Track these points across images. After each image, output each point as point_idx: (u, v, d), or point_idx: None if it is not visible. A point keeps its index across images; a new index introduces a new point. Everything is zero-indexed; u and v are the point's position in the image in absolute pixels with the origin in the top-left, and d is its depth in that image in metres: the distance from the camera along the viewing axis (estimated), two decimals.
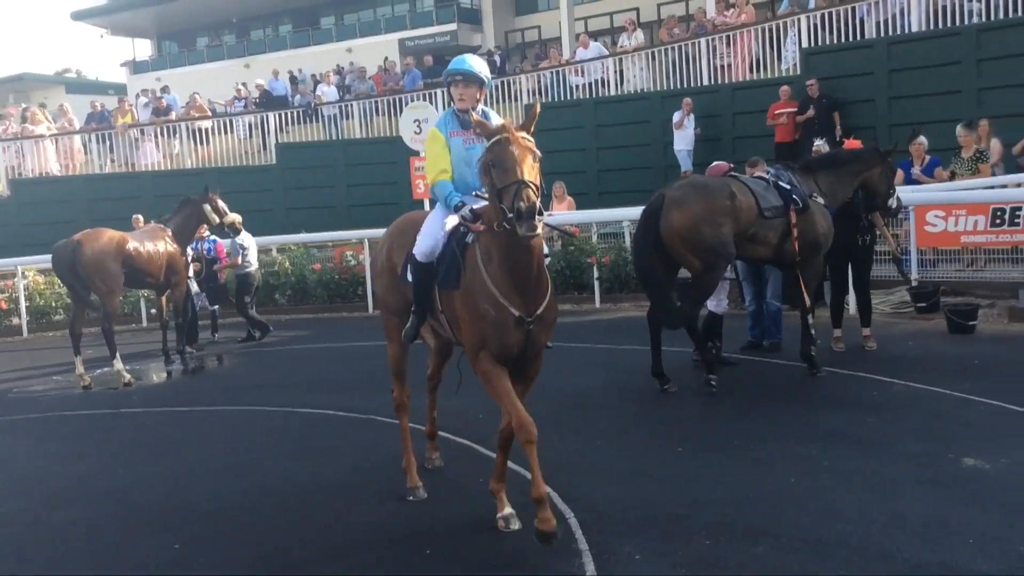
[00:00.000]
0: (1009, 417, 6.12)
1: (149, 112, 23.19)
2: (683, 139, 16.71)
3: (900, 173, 12.25)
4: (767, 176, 7.90)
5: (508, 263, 4.39)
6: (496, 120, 4.64)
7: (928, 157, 12.23)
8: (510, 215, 4.05)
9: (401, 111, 18.54)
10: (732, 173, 7.94)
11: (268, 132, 21.81)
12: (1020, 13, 13.80)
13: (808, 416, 6.51)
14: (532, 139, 4.27)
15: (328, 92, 22.60)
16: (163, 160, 22.04)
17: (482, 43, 33.24)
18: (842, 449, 5.66)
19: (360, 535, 4.88)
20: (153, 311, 14.30)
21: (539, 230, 4.07)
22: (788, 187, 7.64)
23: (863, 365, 7.92)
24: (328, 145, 21.40)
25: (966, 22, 14.64)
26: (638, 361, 8.16)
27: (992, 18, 14.34)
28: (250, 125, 22.36)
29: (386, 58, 26.89)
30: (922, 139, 12.02)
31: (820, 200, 7.85)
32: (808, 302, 7.70)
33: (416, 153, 15.05)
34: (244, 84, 25.25)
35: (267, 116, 21.95)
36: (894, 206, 8.51)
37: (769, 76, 16.96)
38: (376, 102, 21.61)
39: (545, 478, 5.40)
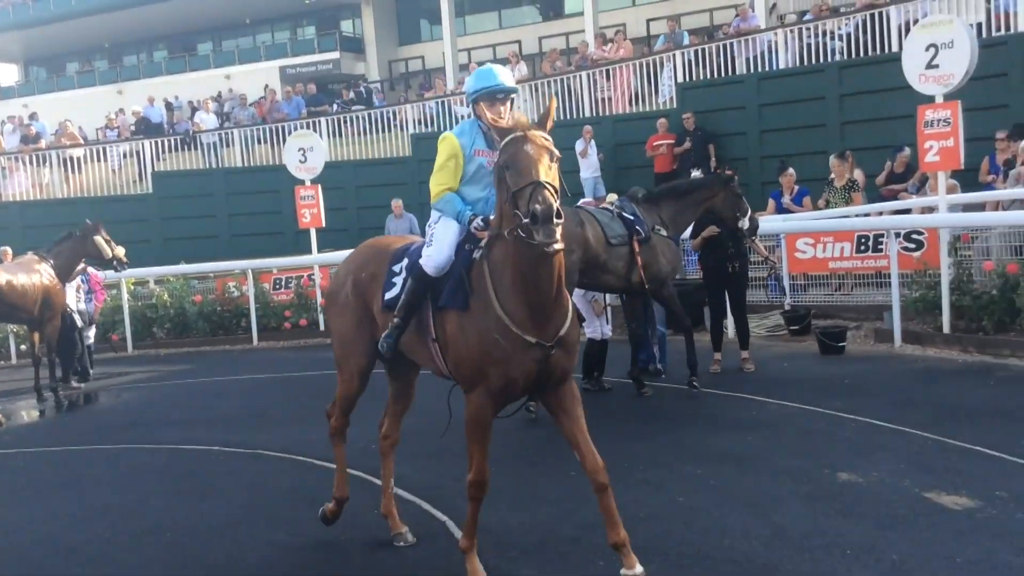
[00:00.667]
0: (878, 432, 6.47)
1: (16, 139, 22.21)
2: (588, 167, 16.93)
3: (772, 203, 12.87)
4: (611, 207, 8.22)
5: (522, 280, 3.93)
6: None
7: (797, 187, 12.85)
8: (525, 220, 3.64)
9: (284, 140, 18.35)
10: (578, 204, 8.23)
11: (144, 160, 21.18)
12: (878, 52, 14.71)
13: (692, 437, 6.73)
14: (549, 138, 3.87)
15: (207, 119, 22.13)
16: (32, 189, 21.12)
17: (365, 72, 33.16)
18: (725, 467, 5.87)
19: (253, 572, 4.77)
20: (23, 347, 13.65)
21: (558, 237, 3.64)
22: (631, 218, 7.95)
23: (741, 386, 8.23)
24: (208, 173, 20.96)
25: (829, 59, 15.51)
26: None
27: (853, 56, 15.23)
28: (125, 153, 21.67)
29: (266, 86, 26.52)
30: (791, 170, 12.65)
31: (663, 232, 8.13)
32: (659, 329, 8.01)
33: (301, 182, 14.90)
34: (121, 110, 24.49)
35: (143, 144, 21.33)
36: (746, 227, 8.64)
37: (647, 109, 17.53)
38: (258, 130, 21.30)
39: (439, 504, 5.47)
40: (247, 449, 7.38)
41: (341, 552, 4.98)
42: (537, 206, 3.57)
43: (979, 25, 13.37)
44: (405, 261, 4.59)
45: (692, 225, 8.90)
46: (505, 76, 4.37)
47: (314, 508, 5.73)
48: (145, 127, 22.55)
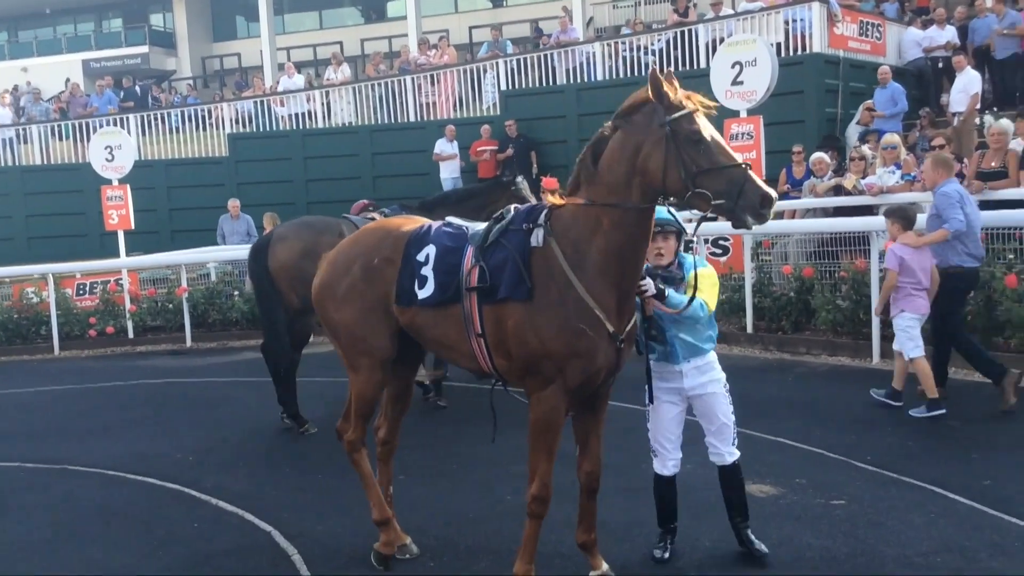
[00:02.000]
0: (690, 427, 6.77)
1: None
2: (449, 168, 16.81)
3: None
4: (378, 216, 8.15)
5: (619, 262, 3.74)
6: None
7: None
8: (739, 202, 3.49)
9: (89, 136, 17.31)
10: (344, 215, 8.17)
11: None
12: (688, 67, 15.47)
13: (521, 438, 6.82)
14: None
15: (2, 114, 20.59)
16: None
17: (176, 68, 31.84)
18: (554, 466, 6.00)
19: None
20: None
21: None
22: None
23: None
24: (3, 171, 19.47)
25: (643, 73, 16.18)
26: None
27: (665, 70, 15.93)
28: None
29: (67, 80, 24.94)
30: None
31: None
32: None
33: (108, 181, 14.10)
34: None
35: None
36: None
37: (471, 115, 17.73)
38: (59, 126, 20.00)
39: (263, 514, 5.33)
40: (52, 464, 6.90)
41: (157, 566, 4.76)
42: (768, 191, 3.54)
43: (778, 45, 14.32)
44: (431, 250, 4.20)
45: None
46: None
47: (129, 523, 5.47)
48: None
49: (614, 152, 3.74)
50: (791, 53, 14.51)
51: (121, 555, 4.97)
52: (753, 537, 4.39)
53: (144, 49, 31.43)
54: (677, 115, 3.62)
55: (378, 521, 4.55)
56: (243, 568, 4.65)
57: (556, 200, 3.93)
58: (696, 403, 4.44)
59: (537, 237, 3.88)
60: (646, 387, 4.31)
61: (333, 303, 4.49)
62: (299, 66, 23.21)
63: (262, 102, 19.64)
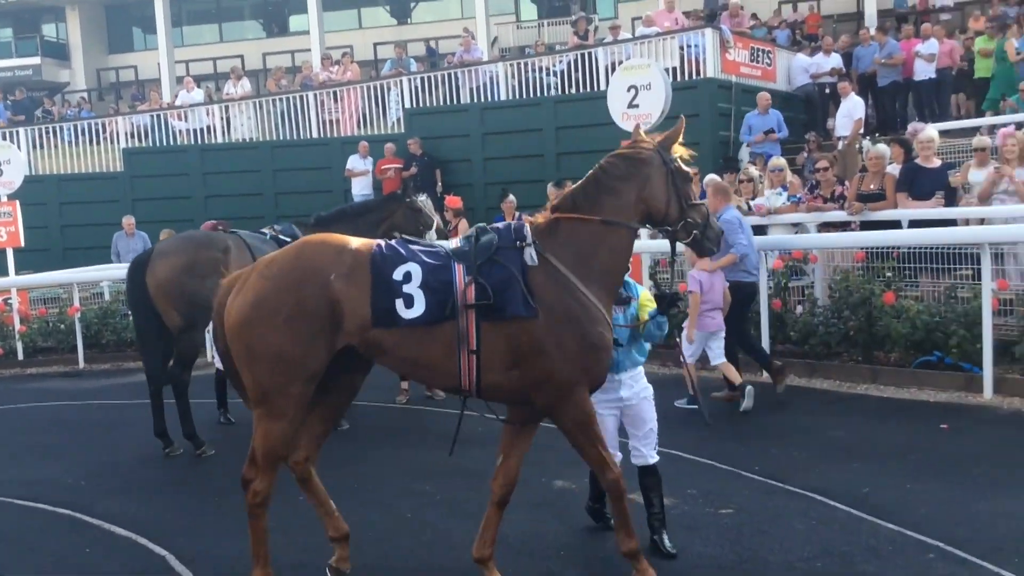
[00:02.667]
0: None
1: None
2: (361, 184, 16.65)
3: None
4: (268, 232, 8.10)
5: (616, 268, 4.27)
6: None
7: (518, 213, 13.50)
8: (707, 232, 4.32)
9: None
10: (232, 229, 8.13)
11: None
12: (588, 89, 15.82)
13: (420, 455, 6.89)
14: None
15: None
16: None
17: (70, 80, 30.87)
18: (453, 482, 6.07)
19: None
20: None
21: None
22: (290, 240, 7.78)
23: (468, 404, 8.50)
24: None
25: (546, 94, 16.48)
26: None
27: (566, 91, 16.29)
28: None
29: None
30: (511, 197, 13.29)
31: None
32: None
33: None
34: None
35: None
36: (434, 239, 8.53)
37: (376, 132, 17.71)
38: None
39: (160, 540, 5.24)
40: None
41: None
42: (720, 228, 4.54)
43: (674, 69, 14.78)
44: (412, 268, 4.09)
45: None
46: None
47: (17, 549, 5.30)
48: None
49: (623, 180, 4.25)
50: (686, 78, 14.98)
51: None
52: (666, 538, 4.69)
53: (36, 60, 30.39)
54: (676, 156, 4.33)
55: None
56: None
57: (539, 218, 4.31)
58: (629, 411, 4.80)
59: (531, 255, 4.09)
60: None
61: (267, 325, 4.07)
62: (198, 80, 22.82)
63: (159, 116, 19.22)
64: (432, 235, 8.70)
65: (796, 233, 10.07)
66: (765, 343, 8.99)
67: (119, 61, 32.23)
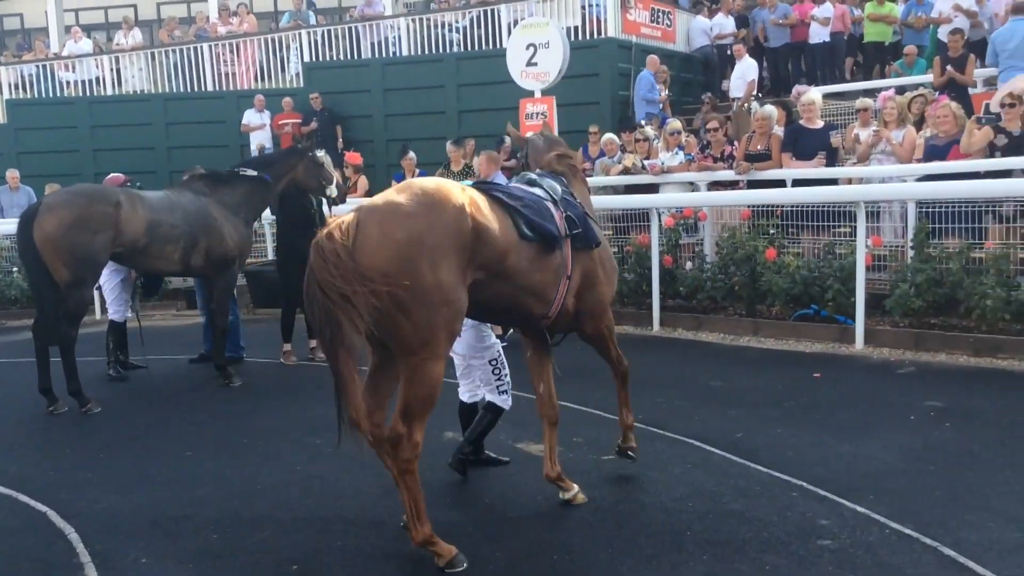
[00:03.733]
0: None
1: None
2: (258, 139, 16.19)
3: (395, 184, 13.37)
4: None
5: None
6: None
7: (418, 170, 13.45)
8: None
9: None
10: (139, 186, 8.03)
11: None
12: (491, 46, 15.77)
13: (314, 410, 6.89)
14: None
15: None
16: None
17: None
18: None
19: None
20: None
21: None
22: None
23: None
24: None
25: (448, 50, 16.37)
26: (164, 371, 8.10)
27: (469, 48, 16.21)
28: None
29: None
30: (412, 154, 13.24)
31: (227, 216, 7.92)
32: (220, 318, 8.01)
33: None
34: None
35: None
36: (334, 194, 8.66)
37: (274, 86, 17.33)
38: None
39: (41, 496, 5.17)
40: None
41: None
42: None
43: (575, 28, 14.87)
44: (525, 195, 4.52)
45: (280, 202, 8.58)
46: None
47: None
48: None
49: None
50: (587, 37, 15.08)
51: None
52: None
53: None
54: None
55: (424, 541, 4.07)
56: (17, 548, 4.50)
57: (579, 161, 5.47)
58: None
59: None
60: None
61: (429, 261, 3.81)
62: (88, 29, 21.85)
63: (45, 66, 18.41)
64: (332, 190, 8.61)
65: (691, 192, 10.34)
66: (655, 297, 9.26)
67: (3, 8, 30.59)
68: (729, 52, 15.99)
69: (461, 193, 4.07)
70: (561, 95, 11.28)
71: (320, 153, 8.82)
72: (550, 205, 4.57)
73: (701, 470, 5.20)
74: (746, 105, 13.30)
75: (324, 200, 8.69)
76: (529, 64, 10.70)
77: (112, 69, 18.14)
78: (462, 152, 13.32)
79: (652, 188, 10.64)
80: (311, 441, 6.06)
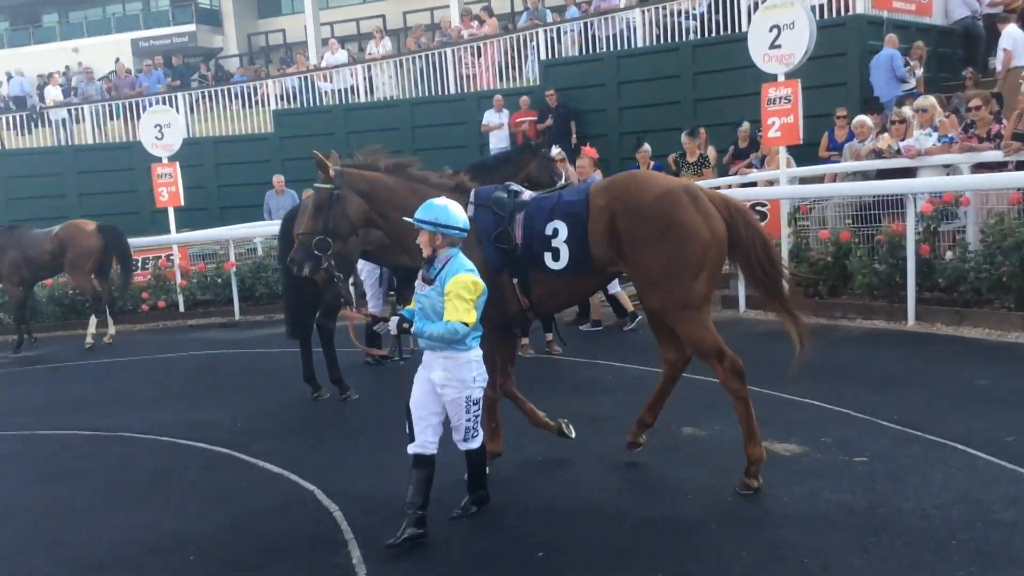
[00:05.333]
0: (720, 391, 6.83)
1: None
2: (497, 138, 16.80)
3: None
4: None
5: None
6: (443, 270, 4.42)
7: (652, 162, 13.35)
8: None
9: (138, 116, 17.73)
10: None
11: None
12: (728, 32, 15.36)
13: (551, 401, 6.95)
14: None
15: (56, 95, 21.15)
16: None
17: (223, 45, 32.29)
18: (581, 428, 6.14)
19: (118, 550, 4.75)
20: None
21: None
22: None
23: (599, 353, 8.60)
24: (57, 151, 20.03)
25: (684, 38, 16.10)
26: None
27: (706, 35, 15.87)
28: None
29: (117, 59, 25.46)
30: (646, 146, 13.13)
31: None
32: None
33: (158, 159, 14.48)
34: None
35: None
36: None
37: (512, 86, 17.78)
38: (109, 106, 20.49)
39: (309, 476, 5.58)
40: (108, 432, 7.24)
41: (208, 523, 5.03)
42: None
43: (820, 7, 14.16)
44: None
45: None
46: (429, 211, 4.44)
47: (181, 485, 5.75)
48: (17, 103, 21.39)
49: None
50: (834, 15, 14.32)
51: (173, 514, 5.25)
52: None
53: (191, 27, 31.92)
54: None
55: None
56: (288, 525, 4.90)
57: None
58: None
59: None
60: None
61: (720, 248, 4.84)
62: (342, 41, 23.44)
63: (306, 78, 19.91)
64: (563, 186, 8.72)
65: (948, 175, 9.57)
66: (911, 289, 8.65)
67: (268, 25, 33.46)
68: (992, 23, 14.64)
69: None
70: (805, 77, 10.77)
71: (556, 150, 8.94)
72: None
73: (965, 475, 4.79)
74: (1019, 80, 12.09)
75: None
76: (772, 47, 10.26)
77: (365, 77, 19.33)
78: (697, 143, 13.07)
79: (906, 173, 9.95)
80: (547, 432, 6.14)
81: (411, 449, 4.49)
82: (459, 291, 4.30)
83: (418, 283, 4.51)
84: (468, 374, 4.42)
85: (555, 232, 4.94)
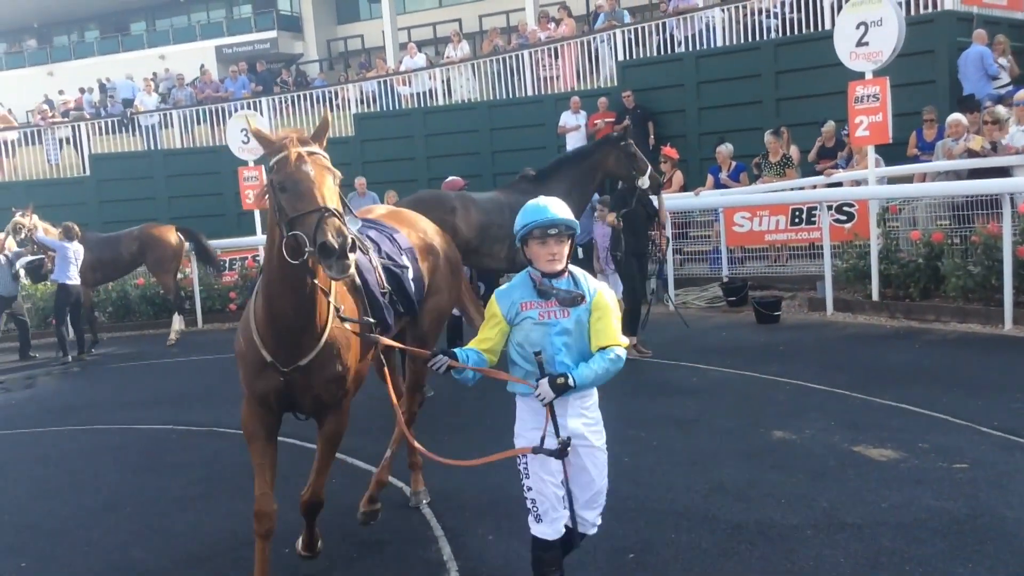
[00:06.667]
0: (810, 394, 6.81)
1: None
2: (574, 140, 16.67)
3: (710, 178, 13.22)
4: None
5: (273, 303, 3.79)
6: (584, 283, 3.49)
7: (734, 163, 13.19)
8: (309, 249, 3.36)
9: (224, 120, 18.20)
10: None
11: (81, 143, 20.80)
12: (812, 29, 15.08)
13: (636, 403, 6.98)
14: (326, 155, 3.66)
15: (147, 101, 21.84)
16: None
17: (304, 51, 32.90)
18: (667, 430, 6.15)
19: (215, 542, 4.90)
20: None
21: (351, 271, 3.42)
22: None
23: (684, 355, 8.52)
24: (147, 155, 20.68)
25: (765, 37, 15.85)
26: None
27: (788, 34, 15.60)
28: (62, 140, 21.26)
29: (202, 66, 26.17)
30: (724, 147, 12.98)
31: None
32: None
33: (244, 163, 14.84)
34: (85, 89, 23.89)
35: (79, 126, 20.93)
36: (646, 184, 8.57)
37: (589, 87, 17.73)
38: (197, 111, 21.07)
39: (396, 473, 5.65)
40: (201, 427, 7.46)
41: (300, 518, 5.12)
42: (327, 239, 3.29)
43: (907, 3, 13.80)
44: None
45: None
46: (557, 208, 3.47)
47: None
48: (125, 105, 22.24)
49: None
50: (920, 11, 13.94)
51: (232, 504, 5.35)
52: None
53: (273, 34, 32.59)
54: (274, 160, 3.57)
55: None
56: (379, 521, 4.96)
57: None
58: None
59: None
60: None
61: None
62: (419, 45, 23.68)
63: (385, 82, 20.17)
64: (644, 180, 8.59)
65: None
66: (1008, 292, 8.38)
67: (347, 31, 33.98)
68: None
69: None
70: (893, 75, 10.51)
71: (628, 140, 8.91)
72: None
73: None
74: None
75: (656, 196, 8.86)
76: (860, 44, 10.05)
77: (443, 81, 19.49)
78: (781, 142, 12.86)
79: (1000, 173, 9.63)
80: (635, 434, 6.12)
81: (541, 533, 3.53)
82: (614, 306, 3.50)
83: (547, 310, 3.46)
84: (598, 413, 3.62)
85: None
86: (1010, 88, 12.22)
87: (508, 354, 3.59)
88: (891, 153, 11.86)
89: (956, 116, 10.95)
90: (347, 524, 4.98)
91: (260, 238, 14.48)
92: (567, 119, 16.85)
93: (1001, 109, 10.61)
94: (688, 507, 4.74)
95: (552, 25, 19.53)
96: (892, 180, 11.36)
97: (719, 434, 5.98)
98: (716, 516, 4.58)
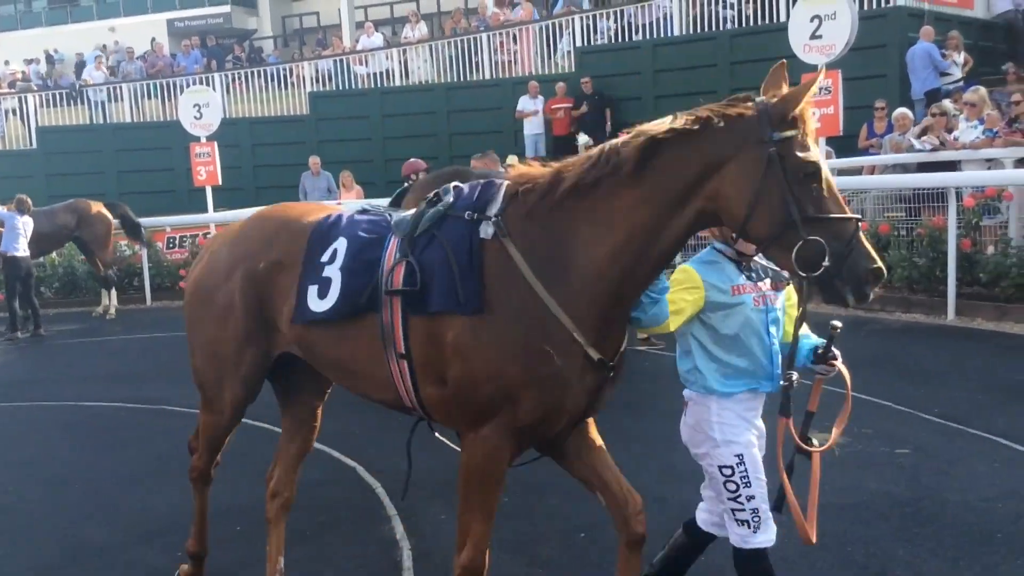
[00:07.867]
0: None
1: None
2: (532, 125, 16.77)
3: None
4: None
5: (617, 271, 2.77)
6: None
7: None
8: (843, 271, 2.60)
9: (175, 95, 17.92)
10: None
11: (28, 115, 20.33)
12: (767, 21, 15.26)
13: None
14: None
15: (95, 75, 21.38)
16: None
17: (257, 27, 32.41)
18: (618, 413, 6.19)
19: (167, 519, 4.88)
20: None
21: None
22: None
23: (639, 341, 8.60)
24: (95, 129, 20.27)
25: (721, 28, 16.01)
26: None
27: (743, 25, 15.77)
28: (7, 109, 20.76)
29: (153, 39, 25.64)
30: None
31: None
32: None
33: (196, 139, 14.63)
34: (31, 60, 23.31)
35: (25, 97, 20.45)
36: None
37: (547, 72, 17.76)
38: (147, 85, 20.69)
39: (351, 453, 5.66)
40: (151, 405, 7.39)
41: (254, 495, 5.11)
42: (878, 264, 2.62)
43: None
44: (340, 245, 3.17)
45: None
46: None
47: (225, 458, 5.81)
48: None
49: (678, 159, 2.72)
50: (874, 6, 14.19)
51: (218, 485, 5.31)
52: None
53: (226, 8, 31.98)
54: (788, 133, 2.60)
55: (193, 554, 4.07)
56: (333, 499, 4.99)
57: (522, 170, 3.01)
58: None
59: (486, 230, 2.86)
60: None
61: (204, 312, 3.53)
62: (377, 24, 23.49)
63: (341, 61, 19.99)
64: None
65: (990, 169, 9.50)
66: (951, 284, 8.62)
67: (302, 8, 33.48)
68: None
69: (269, 241, 3.40)
70: (845, 69, 10.71)
71: (583, 139, 8.96)
72: (391, 245, 3.07)
73: (1010, 470, 4.80)
74: None
75: None
76: (813, 37, 10.21)
77: (400, 61, 19.38)
78: None
79: (947, 167, 9.88)
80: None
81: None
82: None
83: (761, 294, 3.04)
84: (709, 416, 3.05)
85: None
86: (960, 84, 12.51)
87: (688, 348, 3.06)
88: (843, 145, 12.09)
89: (902, 110, 11.19)
90: (301, 500, 4.97)
91: (212, 215, 14.33)
92: (525, 104, 16.86)
93: (948, 103, 10.87)
94: (639, 490, 4.80)
95: (509, 9, 19.50)
96: (842, 172, 11.56)
97: (668, 418, 5.95)
98: (666, 498, 4.67)
